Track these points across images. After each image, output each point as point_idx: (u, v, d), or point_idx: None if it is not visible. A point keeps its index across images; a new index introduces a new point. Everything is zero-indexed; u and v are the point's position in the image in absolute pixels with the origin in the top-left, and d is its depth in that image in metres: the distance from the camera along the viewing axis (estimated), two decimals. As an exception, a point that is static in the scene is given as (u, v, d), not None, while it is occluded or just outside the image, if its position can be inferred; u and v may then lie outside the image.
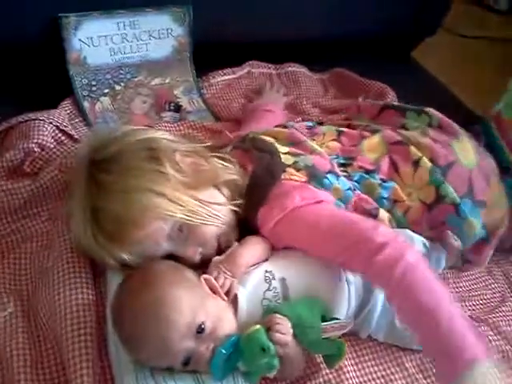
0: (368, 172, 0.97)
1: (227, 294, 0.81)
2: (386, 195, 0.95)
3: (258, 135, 1.01)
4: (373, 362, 0.86)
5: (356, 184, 0.95)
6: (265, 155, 0.94)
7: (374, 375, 0.85)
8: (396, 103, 1.14)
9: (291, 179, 0.90)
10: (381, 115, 1.12)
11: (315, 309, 0.79)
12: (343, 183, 0.93)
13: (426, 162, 0.97)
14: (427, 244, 0.94)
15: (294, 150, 0.97)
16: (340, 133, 1.05)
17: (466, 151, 1.00)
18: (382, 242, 0.77)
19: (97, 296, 0.89)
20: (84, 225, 0.84)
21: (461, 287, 1.03)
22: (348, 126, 1.10)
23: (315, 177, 0.91)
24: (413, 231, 0.95)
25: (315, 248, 0.85)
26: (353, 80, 1.52)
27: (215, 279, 0.82)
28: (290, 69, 1.54)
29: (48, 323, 0.86)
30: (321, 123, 1.15)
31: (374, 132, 1.03)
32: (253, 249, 0.88)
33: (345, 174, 0.96)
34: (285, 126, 1.07)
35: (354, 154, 0.99)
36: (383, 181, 0.96)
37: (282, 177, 0.90)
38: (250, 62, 1.52)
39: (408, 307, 0.75)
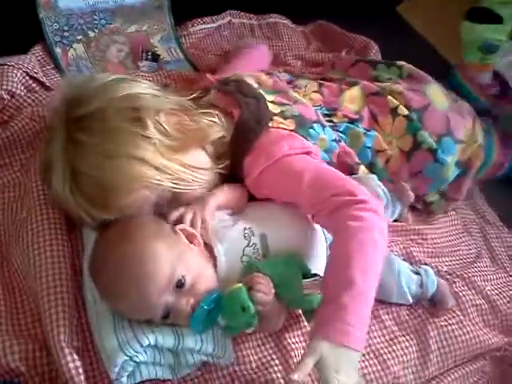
0: (352, 121, 0.98)
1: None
2: (369, 144, 0.97)
3: (243, 78, 0.98)
4: (351, 315, 0.87)
5: (342, 135, 0.96)
6: (251, 101, 0.90)
7: (352, 328, 0.86)
8: (368, 58, 1.15)
9: (279, 127, 0.88)
10: (353, 67, 1.14)
11: (296, 266, 0.80)
12: (329, 134, 0.93)
13: (402, 109, 1.00)
14: (388, 194, 0.94)
15: (278, 98, 0.95)
16: (321, 85, 1.05)
17: (438, 95, 1.05)
18: (360, 199, 0.77)
19: (72, 247, 0.87)
20: (63, 183, 0.79)
21: (438, 243, 1.05)
22: (323, 79, 1.10)
23: (302, 126, 0.90)
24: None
25: (294, 197, 0.84)
26: (336, 33, 1.49)
27: (183, 215, 0.80)
28: (272, 20, 1.50)
29: (23, 274, 0.85)
30: (297, 77, 1.14)
31: (352, 84, 1.04)
32: (224, 191, 0.86)
33: (330, 124, 0.96)
34: (268, 74, 1.05)
35: (336, 105, 1.00)
36: (366, 130, 0.98)
37: (270, 125, 0.88)
38: (231, 12, 1.47)
39: (339, 262, 0.73)
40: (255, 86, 0.97)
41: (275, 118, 0.89)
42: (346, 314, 0.69)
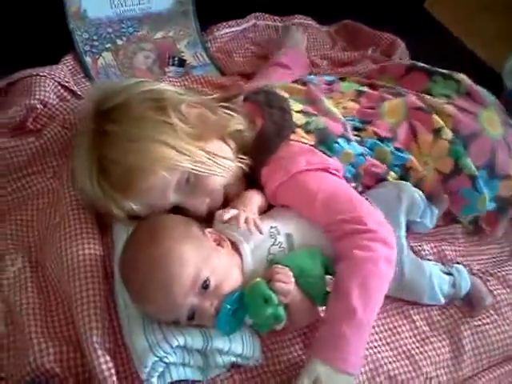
0: (382, 140, 0.94)
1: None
2: (397, 163, 0.93)
3: (274, 88, 0.99)
4: (380, 315, 0.86)
5: (368, 150, 0.93)
6: (275, 112, 0.91)
7: (382, 328, 0.85)
8: (423, 65, 1.09)
9: (299, 141, 0.88)
10: (407, 76, 1.07)
11: (317, 259, 0.79)
12: (354, 148, 0.91)
13: (447, 132, 0.94)
14: (424, 199, 0.92)
15: (307, 108, 0.94)
16: (360, 93, 1.02)
17: (492, 121, 0.98)
18: (369, 228, 0.77)
19: (104, 251, 0.89)
20: (90, 175, 0.83)
21: (470, 241, 1.02)
22: (370, 86, 1.06)
23: (325, 141, 0.89)
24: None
25: (309, 213, 0.84)
26: (362, 31, 1.47)
27: (237, 217, 0.81)
28: (296, 21, 1.49)
29: (57, 278, 0.87)
30: (343, 79, 1.11)
31: (396, 95, 0.99)
32: (257, 193, 0.88)
33: (357, 138, 0.94)
34: (303, 82, 1.04)
35: (372, 118, 0.96)
36: (398, 150, 0.94)
37: (291, 137, 0.88)
38: (256, 14, 1.47)
39: (341, 288, 0.75)
40: (286, 95, 0.96)
41: (297, 130, 0.89)
42: (346, 344, 0.72)
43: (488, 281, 0.93)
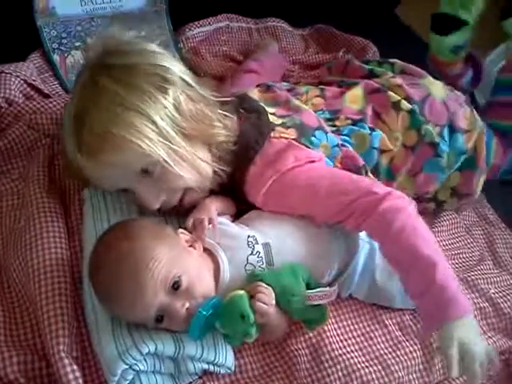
0: (356, 122, 0.96)
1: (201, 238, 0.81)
2: (376, 145, 0.96)
3: (245, 93, 0.98)
4: (353, 320, 0.86)
5: (346, 137, 0.94)
6: (252, 115, 0.90)
7: (355, 333, 0.85)
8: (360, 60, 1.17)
9: (281, 137, 0.87)
10: (347, 68, 1.14)
11: (300, 276, 0.79)
12: (331, 140, 0.92)
13: (405, 103, 0.98)
14: None
15: (280, 111, 0.94)
16: (322, 89, 1.04)
17: (435, 85, 1.04)
18: (383, 194, 0.80)
19: (72, 255, 0.86)
20: (69, 124, 0.81)
21: (440, 246, 1.02)
22: (321, 84, 1.09)
23: (304, 134, 0.89)
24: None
25: (314, 208, 0.83)
26: (334, 35, 1.49)
27: (193, 224, 0.80)
28: (270, 24, 1.49)
29: (21, 283, 0.84)
30: (296, 83, 1.15)
31: (353, 85, 1.03)
32: (219, 198, 0.87)
33: (333, 128, 0.95)
34: (268, 87, 1.04)
35: (339, 106, 0.99)
36: (372, 129, 0.96)
37: (272, 135, 0.87)
38: (229, 15, 1.46)
39: (406, 256, 0.77)
40: (257, 98, 0.96)
41: (277, 128, 0.89)
42: (449, 290, 0.73)
43: (458, 285, 0.94)
